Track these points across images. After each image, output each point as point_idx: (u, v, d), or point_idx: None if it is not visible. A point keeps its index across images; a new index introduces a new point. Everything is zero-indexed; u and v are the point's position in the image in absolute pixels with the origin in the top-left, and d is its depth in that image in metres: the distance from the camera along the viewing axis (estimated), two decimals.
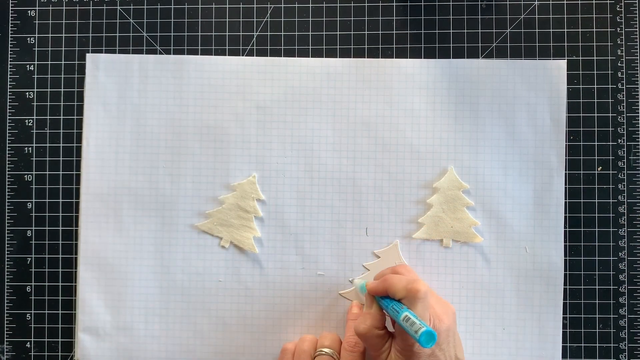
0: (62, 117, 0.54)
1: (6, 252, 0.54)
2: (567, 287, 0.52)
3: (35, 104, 0.54)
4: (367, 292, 0.46)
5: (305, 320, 0.52)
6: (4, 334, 0.53)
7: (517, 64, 0.52)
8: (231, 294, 0.53)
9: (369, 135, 0.52)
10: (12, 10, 0.54)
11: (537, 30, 0.53)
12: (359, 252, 0.53)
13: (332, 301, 0.52)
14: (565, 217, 0.52)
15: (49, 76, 0.54)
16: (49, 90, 0.54)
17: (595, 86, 0.52)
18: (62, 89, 0.54)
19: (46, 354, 0.53)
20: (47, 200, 0.54)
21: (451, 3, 0.53)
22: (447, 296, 0.52)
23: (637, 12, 0.53)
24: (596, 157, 0.52)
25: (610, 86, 0.52)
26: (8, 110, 0.54)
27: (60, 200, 0.54)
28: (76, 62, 0.54)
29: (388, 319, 0.45)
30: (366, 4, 0.54)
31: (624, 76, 0.52)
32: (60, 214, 0.54)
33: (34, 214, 0.54)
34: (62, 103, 0.54)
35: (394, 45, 0.53)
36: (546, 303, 0.51)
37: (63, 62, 0.54)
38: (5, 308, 0.54)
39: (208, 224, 0.53)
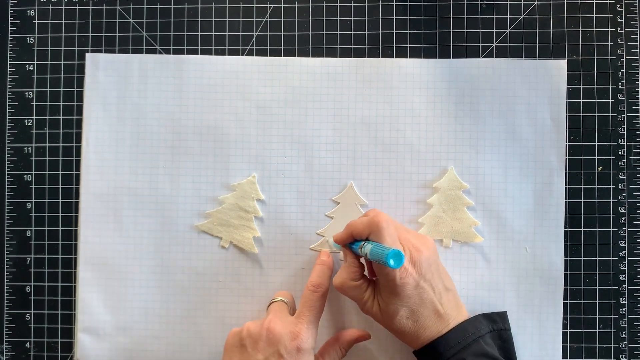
0: (61, 117, 0.54)
1: (6, 252, 0.54)
2: (568, 287, 0.52)
3: (34, 103, 0.54)
4: (337, 243, 0.47)
5: None
6: (3, 334, 0.53)
7: (517, 63, 0.52)
8: (231, 294, 0.52)
9: (369, 135, 0.52)
10: (11, 10, 0.54)
11: (537, 30, 0.53)
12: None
13: (332, 301, 0.52)
14: (565, 217, 0.52)
15: (49, 76, 0.54)
16: (48, 90, 0.54)
17: (596, 86, 0.52)
18: (62, 89, 0.54)
19: (46, 354, 0.53)
20: (47, 200, 0.54)
21: (451, 3, 0.53)
22: None
23: (637, 12, 0.52)
24: (596, 157, 0.52)
25: (610, 86, 0.52)
26: (8, 110, 0.54)
27: (60, 200, 0.54)
28: (76, 61, 0.54)
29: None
30: (366, 4, 0.53)
31: (624, 76, 0.52)
32: (60, 214, 0.54)
33: (33, 214, 0.54)
34: (61, 103, 0.54)
35: (394, 45, 0.53)
36: (546, 303, 0.51)
37: (62, 62, 0.54)
38: (5, 308, 0.53)
39: (208, 224, 0.52)
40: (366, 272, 0.47)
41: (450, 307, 0.44)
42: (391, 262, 0.38)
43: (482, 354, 0.42)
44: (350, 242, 0.46)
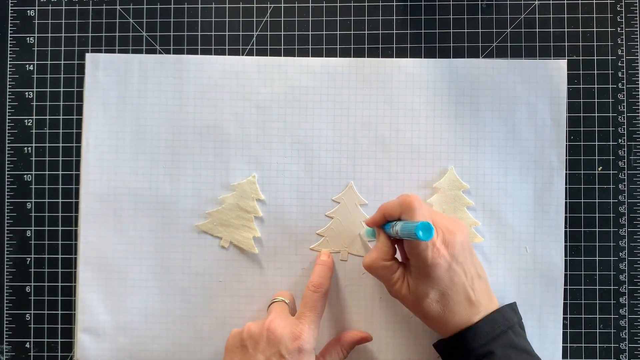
0: (61, 117, 0.54)
1: (5, 252, 0.54)
2: (568, 287, 0.52)
3: (34, 103, 0.54)
4: (369, 225, 0.47)
5: None
6: (3, 334, 0.53)
7: (517, 63, 0.52)
8: (231, 293, 0.52)
9: (369, 135, 0.52)
10: (11, 10, 0.54)
11: (537, 30, 0.53)
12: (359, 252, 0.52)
13: (333, 302, 0.52)
14: (565, 217, 0.52)
15: (49, 76, 0.54)
16: (48, 90, 0.54)
17: (596, 86, 0.52)
18: (62, 89, 0.54)
19: (46, 354, 0.53)
20: (47, 200, 0.54)
21: (451, 2, 0.53)
22: None
23: (637, 11, 0.52)
24: (596, 157, 0.52)
25: (610, 86, 0.52)
26: (7, 110, 0.54)
27: (60, 200, 0.54)
28: (76, 61, 0.54)
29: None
30: (366, 4, 0.53)
31: (625, 76, 0.52)
32: (60, 214, 0.54)
33: (33, 214, 0.54)
34: (61, 103, 0.54)
35: (394, 45, 0.53)
36: (546, 303, 0.51)
37: (62, 62, 0.54)
38: (5, 308, 0.53)
39: (208, 224, 0.52)
40: (398, 256, 0.47)
41: (482, 295, 0.43)
42: (420, 233, 0.38)
43: (511, 346, 0.42)
44: (383, 223, 0.46)
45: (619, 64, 0.52)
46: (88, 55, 0.54)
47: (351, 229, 0.52)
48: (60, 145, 0.54)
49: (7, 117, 0.54)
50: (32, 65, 0.54)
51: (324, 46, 0.53)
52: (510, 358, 0.41)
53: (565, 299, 0.51)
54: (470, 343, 0.42)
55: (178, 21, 0.54)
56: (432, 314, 0.43)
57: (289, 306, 0.47)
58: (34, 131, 0.54)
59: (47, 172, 0.54)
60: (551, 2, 0.53)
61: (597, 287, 0.52)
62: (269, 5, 0.54)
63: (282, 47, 0.54)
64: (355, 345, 0.49)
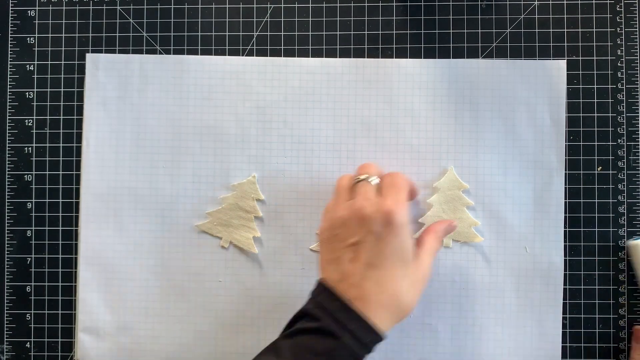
0: (62, 117, 0.54)
1: (6, 252, 0.54)
2: (567, 287, 0.52)
3: (35, 103, 0.54)
4: None
5: None
6: (3, 334, 0.53)
7: (517, 64, 0.52)
8: (231, 294, 0.53)
9: (369, 135, 0.52)
10: (12, 10, 0.54)
11: (537, 30, 0.53)
12: None
13: None
14: (565, 217, 0.52)
15: (49, 76, 0.54)
16: (48, 90, 0.54)
17: (595, 86, 0.52)
18: (62, 89, 0.54)
19: (46, 354, 0.53)
20: (47, 200, 0.54)
21: (451, 3, 0.53)
22: (447, 296, 0.52)
23: (637, 12, 0.53)
24: (596, 157, 0.52)
25: (610, 86, 0.52)
26: (8, 110, 0.54)
27: (60, 200, 0.54)
28: (76, 62, 0.54)
29: None
30: (366, 4, 0.54)
31: (624, 76, 0.52)
32: (60, 214, 0.54)
33: (33, 214, 0.54)
34: (62, 103, 0.54)
35: (394, 45, 0.53)
36: (546, 303, 0.51)
37: (63, 62, 0.54)
38: (5, 308, 0.53)
39: (208, 224, 0.53)
40: None
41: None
42: None
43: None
44: None
45: (619, 64, 0.52)
46: (88, 56, 0.54)
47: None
48: (61, 145, 0.54)
49: (8, 117, 0.54)
50: (32, 66, 0.54)
51: (324, 46, 0.54)
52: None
53: (564, 298, 0.52)
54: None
55: (178, 21, 0.54)
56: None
57: (374, 186, 0.44)
58: (34, 131, 0.54)
59: (47, 172, 0.54)
60: (551, 2, 0.53)
61: (597, 287, 0.52)
62: (269, 5, 0.54)
63: (282, 47, 0.54)
64: (447, 233, 0.49)
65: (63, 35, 0.54)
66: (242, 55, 0.54)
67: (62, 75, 0.54)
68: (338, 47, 0.54)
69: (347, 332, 0.38)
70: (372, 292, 0.39)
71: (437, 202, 0.52)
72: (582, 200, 0.52)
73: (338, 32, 0.54)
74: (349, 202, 0.43)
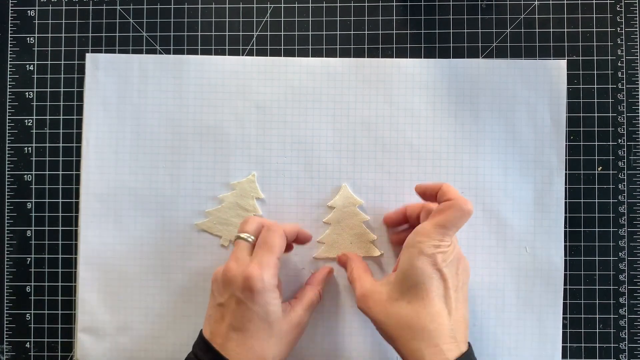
0: (61, 117, 0.54)
1: (6, 252, 0.54)
2: (567, 287, 0.52)
3: (34, 103, 0.54)
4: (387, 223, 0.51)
5: None
6: (3, 334, 0.53)
7: (517, 63, 0.52)
8: None
9: (369, 135, 0.52)
10: (11, 10, 0.54)
11: (537, 30, 0.53)
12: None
13: (332, 301, 0.52)
14: (565, 217, 0.52)
15: (49, 76, 0.54)
16: (48, 90, 0.54)
17: (595, 86, 0.52)
18: (62, 89, 0.54)
19: (46, 354, 0.53)
20: (47, 200, 0.54)
21: (451, 3, 0.53)
22: None
23: (637, 12, 0.53)
24: (596, 157, 0.52)
25: (610, 86, 0.52)
26: (8, 110, 0.54)
27: (60, 200, 0.54)
28: (76, 62, 0.54)
29: None
30: (366, 4, 0.53)
31: (624, 76, 0.52)
32: (60, 214, 0.54)
33: (33, 214, 0.54)
34: (61, 103, 0.54)
35: (394, 45, 0.53)
36: (546, 303, 0.51)
37: (63, 62, 0.54)
38: (5, 308, 0.53)
39: (207, 223, 0.53)
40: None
41: (460, 334, 0.41)
42: None
43: None
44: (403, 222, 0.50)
45: (619, 64, 0.52)
46: (88, 56, 0.54)
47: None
48: (61, 145, 0.54)
49: (7, 117, 0.54)
50: (32, 65, 0.54)
51: (324, 46, 0.53)
52: None
53: (565, 298, 0.51)
54: None
55: (178, 21, 0.54)
56: (399, 320, 0.41)
57: (250, 244, 0.45)
58: (34, 131, 0.54)
59: (47, 172, 0.54)
60: (551, 2, 0.53)
61: (597, 287, 0.52)
62: (269, 5, 0.54)
63: (282, 47, 0.54)
64: (325, 282, 0.50)
65: (63, 35, 0.54)
66: (242, 55, 0.54)
67: (62, 75, 0.54)
68: (338, 47, 0.53)
69: None
70: (235, 352, 0.41)
71: (334, 220, 0.52)
72: (582, 200, 0.52)
73: (338, 32, 0.54)
74: (227, 261, 0.44)
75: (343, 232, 0.52)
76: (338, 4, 0.54)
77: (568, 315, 0.52)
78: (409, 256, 0.41)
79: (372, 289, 0.44)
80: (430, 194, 0.44)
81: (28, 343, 0.53)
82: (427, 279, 0.40)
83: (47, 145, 0.54)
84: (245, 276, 0.41)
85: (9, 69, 0.54)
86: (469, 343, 0.42)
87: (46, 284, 0.53)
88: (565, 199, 0.52)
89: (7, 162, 0.54)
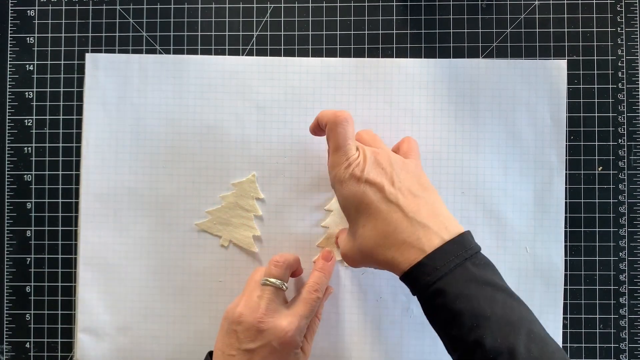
0: (61, 117, 0.54)
1: (5, 252, 0.54)
2: (568, 287, 0.52)
3: (34, 103, 0.54)
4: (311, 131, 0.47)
5: None
6: (3, 334, 0.53)
7: (518, 63, 0.52)
8: (231, 293, 0.52)
9: None
10: (11, 10, 0.54)
11: (537, 30, 0.53)
12: None
13: (331, 301, 0.52)
14: (565, 217, 0.52)
15: (49, 76, 0.54)
16: (48, 90, 0.54)
17: (596, 86, 0.52)
18: (62, 89, 0.54)
19: (46, 354, 0.53)
20: (47, 200, 0.54)
21: (451, 3, 0.53)
22: None
23: (637, 11, 0.52)
24: (596, 157, 0.52)
25: (610, 86, 0.52)
26: (8, 110, 0.54)
27: (60, 200, 0.54)
28: (75, 62, 0.54)
29: None
30: (366, 4, 0.53)
31: (625, 76, 0.52)
32: (60, 214, 0.54)
33: (33, 214, 0.54)
34: (61, 103, 0.54)
35: (394, 45, 0.53)
36: (546, 303, 0.51)
37: (62, 62, 0.54)
38: (5, 308, 0.53)
39: (207, 223, 0.52)
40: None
41: (429, 218, 0.38)
42: None
43: (469, 279, 0.36)
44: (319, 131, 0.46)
45: (619, 64, 0.52)
46: (88, 55, 0.54)
47: None
48: (60, 145, 0.54)
49: (7, 117, 0.54)
50: (32, 65, 0.54)
51: (324, 46, 0.53)
52: (466, 295, 0.35)
53: (565, 299, 0.51)
54: (419, 280, 0.37)
55: (178, 21, 0.54)
56: (366, 245, 0.40)
57: (283, 291, 0.46)
58: (34, 131, 0.54)
59: (47, 172, 0.54)
60: (551, 2, 0.53)
61: (597, 287, 0.52)
62: (269, 5, 0.54)
63: (282, 47, 0.54)
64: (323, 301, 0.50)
65: (62, 35, 0.54)
66: (242, 54, 0.54)
67: (62, 75, 0.54)
68: (338, 46, 0.53)
69: None
70: None
71: (332, 223, 0.52)
72: (582, 200, 0.52)
73: (338, 32, 0.53)
74: (253, 305, 0.44)
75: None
76: (338, 4, 0.54)
77: (568, 316, 0.52)
78: (338, 192, 0.42)
79: (344, 246, 0.43)
80: (318, 129, 0.45)
81: (28, 343, 0.53)
82: (361, 195, 0.40)
83: (47, 145, 0.54)
84: (287, 331, 0.42)
85: (8, 69, 0.54)
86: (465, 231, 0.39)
87: (46, 284, 0.53)
88: (566, 199, 0.52)
89: (6, 162, 0.54)
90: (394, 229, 0.38)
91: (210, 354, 0.45)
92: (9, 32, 0.54)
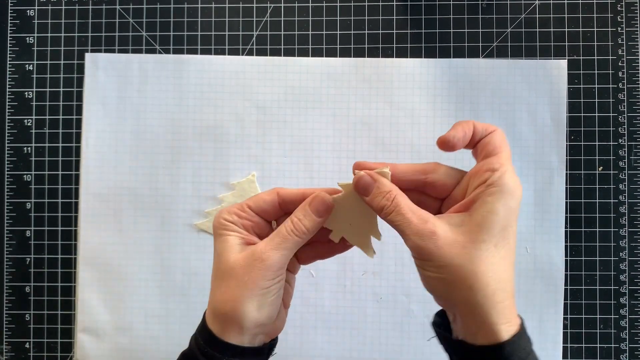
0: (61, 116, 0.54)
1: (5, 252, 0.54)
2: (568, 287, 0.52)
3: (34, 103, 0.54)
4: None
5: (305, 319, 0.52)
6: (3, 334, 0.53)
7: (518, 63, 0.52)
8: None
9: (369, 135, 0.52)
10: (11, 10, 0.54)
11: (537, 29, 0.53)
12: (359, 251, 0.52)
13: (332, 301, 0.52)
14: (566, 217, 0.52)
15: (48, 76, 0.54)
16: (48, 90, 0.54)
17: (596, 86, 0.52)
18: (61, 89, 0.54)
19: (45, 354, 0.53)
20: (46, 200, 0.54)
21: (451, 3, 0.53)
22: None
23: (637, 11, 0.52)
24: (597, 157, 0.52)
25: (611, 86, 0.52)
26: (7, 110, 0.54)
27: (60, 200, 0.53)
28: (75, 61, 0.54)
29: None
30: (366, 4, 0.53)
31: (625, 76, 0.52)
32: (60, 214, 0.53)
33: (33, 214, 0.54)
34: (61, 103, 0.54)
35: (394, 45, 0.53)
36: (547, 303, 0.51)
37: (62, 62, 0.54)
38: (5, 308, 0.53)
39: (207, 223, 0.52)
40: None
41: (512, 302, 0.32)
42: None
43: None
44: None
45: (620, 64, 0.52)
46: (88, 55, 0.54)
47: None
48: (60, 145, 0.54)
49: (7, 117, 0.54)
50: (31, 65, 0.54)
51: (324, 46, 0.53)
52: None
53: (565, 299, 0.51)
54: (513, 355, 0.32)
55: (178, 21, 0.54)
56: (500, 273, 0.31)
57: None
58: (33, 131, 0.54)
59: (46, 172, 0.54)
60: (551, 2, 0.53)
61: (598, 287, 0.52)
62: (269, 5, 0.54)
63: (282, 47, 0.54)
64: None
65: (62, 35, 0.54)
66: (242, 54, 0.54)
67: (62, 75, 0.54)
68: (338, 46, 0.53)
69: None
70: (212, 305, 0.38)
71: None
72: (583, 200, 0.52)
73: (338, 32, 0.53)
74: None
75: (350, 210, 0.40)
76: (338, 4, 0.53)
77: (569, 316, 0.52)
78: (495, 196, 0.33)
79: (437, 224, 0.33)
80: (468, 142, 0.37)
81: (27, 343, 0.53)
82: (513, 221, 0.32)
83: (47, 145, 0.54)
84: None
85: (8, 69, 0.54)
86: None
87: (46, 284, 0.53)
88: (566, 199, 0.52)
89: (6, 162, 0.54)
90: (512, 275, 0.31)
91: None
92: (9, 32, 0.54)
